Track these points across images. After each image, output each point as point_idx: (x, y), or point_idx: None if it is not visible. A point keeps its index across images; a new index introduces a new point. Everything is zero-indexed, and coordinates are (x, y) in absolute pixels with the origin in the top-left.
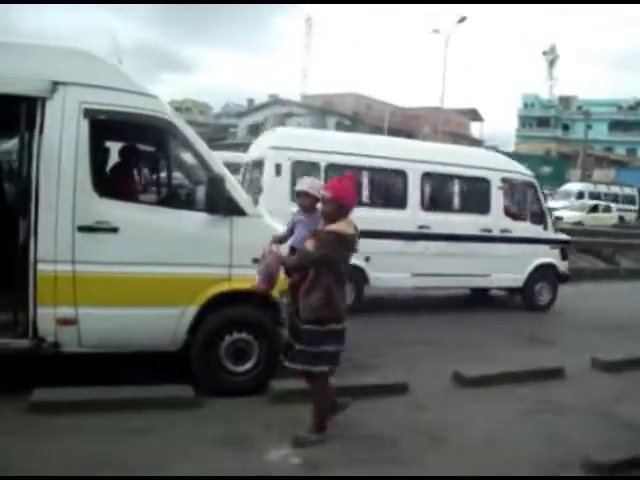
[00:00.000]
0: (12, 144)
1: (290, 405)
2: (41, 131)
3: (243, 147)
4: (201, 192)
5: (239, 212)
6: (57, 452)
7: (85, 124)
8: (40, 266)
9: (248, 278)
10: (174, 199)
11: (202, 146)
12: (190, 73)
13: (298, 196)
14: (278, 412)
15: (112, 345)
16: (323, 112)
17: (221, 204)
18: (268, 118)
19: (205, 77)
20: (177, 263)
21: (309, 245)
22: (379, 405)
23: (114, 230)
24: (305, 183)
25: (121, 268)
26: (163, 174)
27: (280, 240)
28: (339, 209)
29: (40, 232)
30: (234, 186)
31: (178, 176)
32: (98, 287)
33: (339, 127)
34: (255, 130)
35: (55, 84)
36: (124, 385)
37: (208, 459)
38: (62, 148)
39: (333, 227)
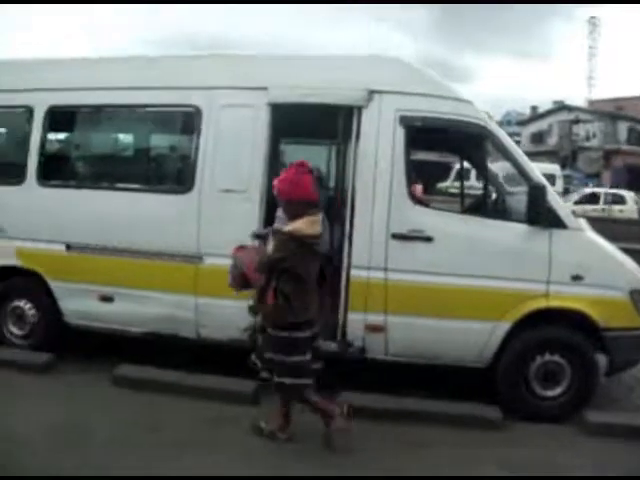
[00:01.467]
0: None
1: (607, 440)
2: (357, 139)
3: (528, 156)
4: (516, 201)
5: (559, 224)
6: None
7: (401, 131)
8: (353, 272)
9: (567, 296)
10: (489, 209)
11: (519, 153)
12: (468, 82)
13: None
14: (592, 447)
15: (417, 356)
16: (613, 117)
17: (542, 215)
18: (552, 125)
19: (483, 86)
20: (492, 276)
21: (269, 247)
22: None
23: (428, 239)
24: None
25: (433, 278)
26: (471, 182)
27: (260, 236)
28: (289, 204)
29: (355, 238)
30: (554, 196)
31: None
32: (409, 296)
33: (631, 133)
34: (539, 138)
35: (371, 93)
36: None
37: None
38: (378, 156)
39: (290, 227)
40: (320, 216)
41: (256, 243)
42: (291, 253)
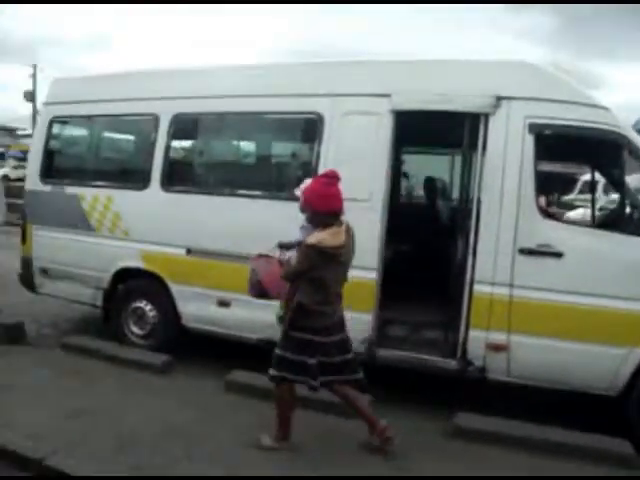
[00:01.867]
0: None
1: None
2: (483, 148)
3: None
4: None
5: None
6: None
7: (530, 140)
8: (476, 287)
9: None
10: (625, 224)
11: None
12: (598, 90)
13: None
14: None
15: (540, 379)
16: None
17: None
18: None
19: (610, 93)
20: (627, 297)
21: (293, 259)
22: None
23: (558, 255)
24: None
25: (562, 297)
26: (598, 195)
27: (286, 246)
28: (316, 216)
29: (479, 252)
30: None
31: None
32: (535, 315)
33: None
34: None
35: (499, 99)
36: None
37: None
38: (506, 166)
39: (313, 239)
40: (344, 226)
41: (278, 253)
42: (314, 264)
